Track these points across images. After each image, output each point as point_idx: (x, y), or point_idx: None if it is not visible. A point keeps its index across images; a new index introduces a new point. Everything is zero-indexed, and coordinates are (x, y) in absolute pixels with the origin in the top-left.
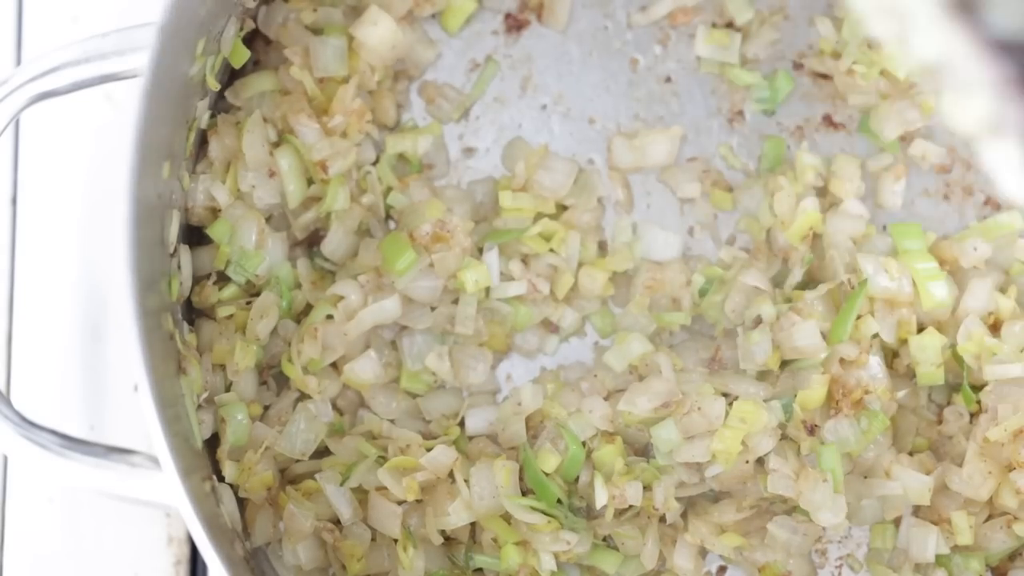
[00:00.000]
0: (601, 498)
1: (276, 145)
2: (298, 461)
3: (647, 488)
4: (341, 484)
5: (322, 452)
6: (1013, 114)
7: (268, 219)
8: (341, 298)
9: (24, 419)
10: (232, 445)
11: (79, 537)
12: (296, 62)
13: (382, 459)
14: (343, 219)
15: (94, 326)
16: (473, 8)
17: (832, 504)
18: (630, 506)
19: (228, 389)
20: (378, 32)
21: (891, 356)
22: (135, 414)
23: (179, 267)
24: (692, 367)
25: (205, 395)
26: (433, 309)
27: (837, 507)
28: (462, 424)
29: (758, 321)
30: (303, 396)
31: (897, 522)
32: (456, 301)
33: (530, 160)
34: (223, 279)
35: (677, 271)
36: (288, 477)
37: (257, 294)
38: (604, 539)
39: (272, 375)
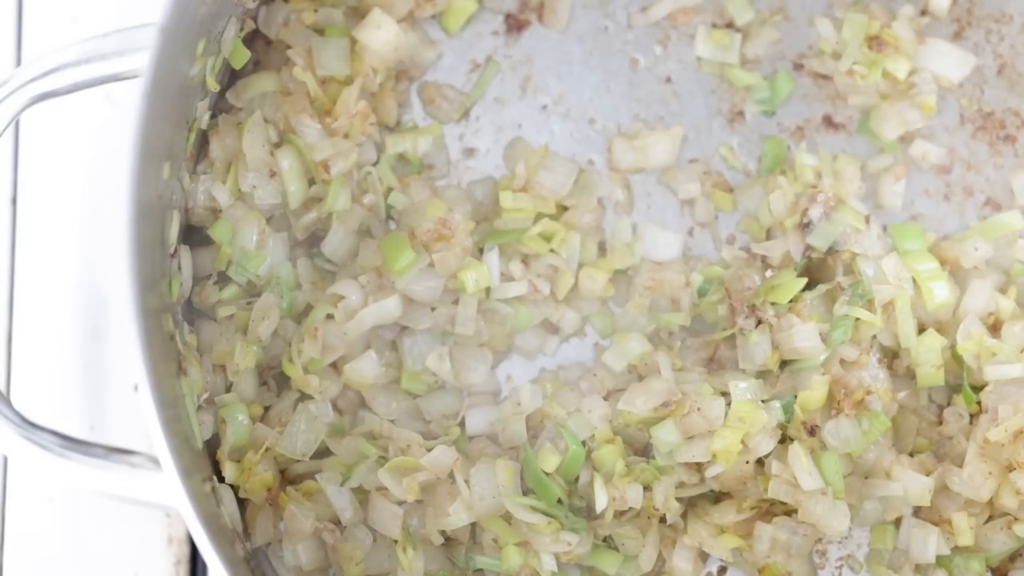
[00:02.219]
0: (601, 501)
1: (277, 146)
2: (298, 461)
3: (647, 488)
4: (341, 484)
5: (322, 452)
6: None
7: (269, 220)
8: (341, 298)
9: (24, 419)
10: (232, 446)
11: (79, 537)
12: (299, 63)
13: (382, 459)
14: (344, 219)
15: (94, 326)
16: (473, 8)
17: (835, 513)
18: (630, 507)
19: (228, 390)
20: (381, 35)
21: (891, 357)
22: (135, 414)
23: (179, 267)
24: (691, 367)
25: (205, 396)
26: (433, 309)
27: (840, 514)
28: (462, 424)
29: (758, 321)
30: (303, 396)
31: (898, 523)
32: (456, 301)
33: (530, 160)
34: (223, 279)
35: (677, 271)
36: (288, 477)
37: (258, 294)
38: (604, 539)
39: (272, 376)
